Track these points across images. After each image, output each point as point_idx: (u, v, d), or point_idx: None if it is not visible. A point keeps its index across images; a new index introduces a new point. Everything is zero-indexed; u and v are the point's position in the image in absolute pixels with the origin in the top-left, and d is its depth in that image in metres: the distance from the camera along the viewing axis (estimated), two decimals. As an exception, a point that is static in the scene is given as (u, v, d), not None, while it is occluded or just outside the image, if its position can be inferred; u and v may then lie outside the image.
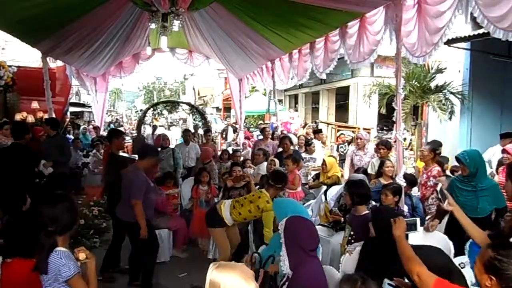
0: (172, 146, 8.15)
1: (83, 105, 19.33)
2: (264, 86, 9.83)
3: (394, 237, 2.31)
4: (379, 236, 2.70)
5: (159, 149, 7.07)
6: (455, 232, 3.47)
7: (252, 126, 19.92)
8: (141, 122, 12.68)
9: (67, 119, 12.96)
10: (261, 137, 8.73)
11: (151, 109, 14.88)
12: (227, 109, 26.31)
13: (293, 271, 2.47)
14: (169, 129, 20.61)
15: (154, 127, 16.79)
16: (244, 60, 8.68)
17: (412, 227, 2.46)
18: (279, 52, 7.35)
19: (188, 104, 16.01)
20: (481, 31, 6.07)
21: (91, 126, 14.38)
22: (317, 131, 9.45)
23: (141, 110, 25.72)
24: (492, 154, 6.20)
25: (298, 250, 2.49)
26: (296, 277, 2.46)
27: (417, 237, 3.80)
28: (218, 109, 32.28)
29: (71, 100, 14.48)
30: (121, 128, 21.97)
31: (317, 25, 5.52)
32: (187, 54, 10.18)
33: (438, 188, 3.01)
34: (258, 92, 18.35)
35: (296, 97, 23.75)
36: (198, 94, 37.94)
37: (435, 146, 6.23)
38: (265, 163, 6.32)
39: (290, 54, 7.20)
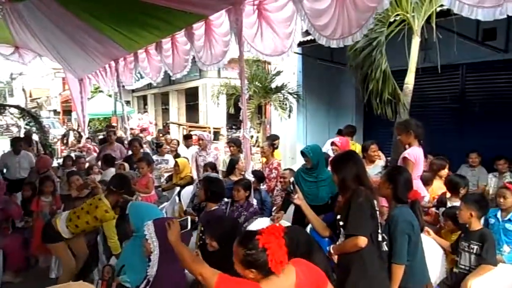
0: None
1: None
2: (107, 87, 9.23)
3: (170, 241, 2.26)
4: (220, 245, 2.74)
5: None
6: (297, 220, 3.90)
7: (98, 129, 18.52)
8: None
9: None
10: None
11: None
12: (67, 112, 23.87)
13: (156, 273, 2.40)
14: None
15: None
16: (84, 59, 7.97)
17: (184, 227, 2.46)
18: (123, 51, 7.00)
19: (17, 107, 13.91)
20: (309, 38, 6.85)
21: None
22: (187, 137, 9.29)
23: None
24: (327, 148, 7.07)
25: (168, 251, 2.41)
26: (159, 280, 2.39)
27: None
28: (56, 112, 29.04)
29: None
30: None
31: (162, 25, 5.43)
32: (13, 50, 8.82)
33: (291, 180, 3.29)
34: (102, 93, 17.16)
35: (145, 98, 23.01)
36: (30, 96, 33.41)
37: (272, 140, 6.84)
38: (113, 169, 5.97)
39: (135, 54, 6.93)
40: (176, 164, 6.23)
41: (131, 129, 12.69)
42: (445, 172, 4.91)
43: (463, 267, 3.14)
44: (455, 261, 3.23)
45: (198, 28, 5.04)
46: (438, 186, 4.67)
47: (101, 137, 9.27)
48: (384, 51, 4.69)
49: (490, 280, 2.94)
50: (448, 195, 4.20)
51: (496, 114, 6.70)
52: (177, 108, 19.57)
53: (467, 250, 3.12)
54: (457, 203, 3.72)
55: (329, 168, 5.33)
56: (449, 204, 4.02)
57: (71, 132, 14.66)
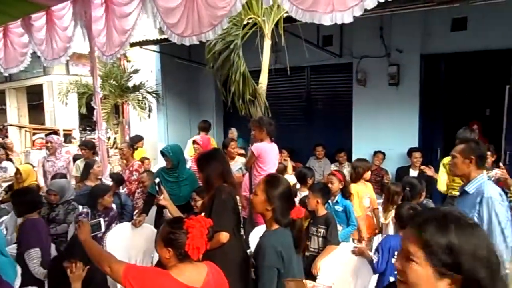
0: None
1: None
2: None
3: (80, 239, 2.25)
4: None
5: None
6: (160, 222, 3.82)
7: None
8: None
9: None
10: None
11: None
12: None
13: None
14: None
15: None
16: None
17: (96, 227, 2.49)
18: None
19: None
20: (165, 36, 6.75)
21: None
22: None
23: None
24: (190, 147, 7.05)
25: None
26: None
27: (126, 232, 3.93)
28: None
29: None
30: None
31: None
32: None
33: (157, 181, 3.20)
34: None
35: (-27, 97, 19.54)
36: None
37: (135, 141, 6.60)
38: None
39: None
40: (18, 171, 5.47)
41: None
42: (368, 174, 4.62)
43: (313, 249, 3.47)
44: (307, 245, 3.58)
45: (38, 19, 4.49)
46: (362, 189, 4.42)
47: None
48: (241, 53, 4.90)
49: (334, 258, 3.33)
50: (298, 186, 4.63)
51: (336, 111, 7.65)
52: (16, 108, 17.11)
53: (316, 234, 3.48)
54: (305, 192, 4.11)
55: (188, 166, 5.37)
56: (299, 194, 4.42)
57: None
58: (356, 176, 4.44)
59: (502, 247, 2.35)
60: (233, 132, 7.66)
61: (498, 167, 4.39)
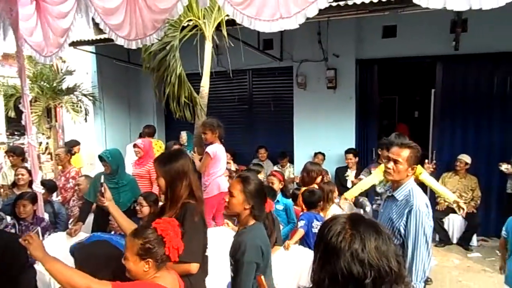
0: None
1: None
2: None
3: (37, 259, 1.89)
4: None
5: None
6: (98, 229, 3.67)
7: None
8: None
9: None
10: None
11: None
12: None
13: None
14: None
15: None
16: None
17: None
18: None
19: None
20: (103, 36, 6.49)
21: None
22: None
23: None
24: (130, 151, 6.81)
25: None
26: None
27: (61, 243, 3.72)
28: None
29: None
30: None
31: None
32: None
33: (101, 181, 3.00)
34: None
35: None
36: None
37: (71, 146, 6.27)
38: None
39: None
40: None
41: None
42: (319, 179, 4.37)
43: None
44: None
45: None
46: None
47: None
48: (178, 55, 4.82)
49: (278, 258, 3.39)
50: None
51: (278, 114, 7.79)
52: None
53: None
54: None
55: (132, 171, 5.18)
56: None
57: None
58: (310, 180, 4.25)
59: (425, 255, 2.40)
60: (183, 136, 7.31)
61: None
